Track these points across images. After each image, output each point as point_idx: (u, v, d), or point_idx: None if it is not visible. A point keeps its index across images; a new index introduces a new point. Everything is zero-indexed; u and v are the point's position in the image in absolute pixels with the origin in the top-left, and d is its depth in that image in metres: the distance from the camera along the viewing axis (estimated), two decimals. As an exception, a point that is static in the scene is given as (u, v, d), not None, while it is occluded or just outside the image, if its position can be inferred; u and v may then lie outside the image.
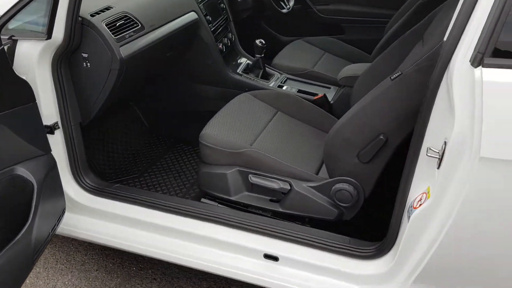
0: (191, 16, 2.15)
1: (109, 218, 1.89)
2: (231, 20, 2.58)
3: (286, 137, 1.99)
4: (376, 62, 2.04)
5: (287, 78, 2.51)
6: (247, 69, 2.49)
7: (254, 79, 2.41)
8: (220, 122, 1.97)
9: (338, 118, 2.19)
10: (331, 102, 2.30)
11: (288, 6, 2.70)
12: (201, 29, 2.24)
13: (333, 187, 1.71)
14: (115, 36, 1.73)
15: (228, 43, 2.47)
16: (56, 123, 1.82)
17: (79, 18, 1.68)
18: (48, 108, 1.78)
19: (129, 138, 2.54)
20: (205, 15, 2.28)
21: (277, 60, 2.65)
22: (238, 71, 2.46)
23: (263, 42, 2.39)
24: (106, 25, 1.72)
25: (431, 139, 1.35)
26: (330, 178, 1.73)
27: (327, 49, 2.84)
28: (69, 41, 1.67)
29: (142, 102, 2.64)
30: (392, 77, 1.51)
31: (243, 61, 2.56)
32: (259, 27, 3.13)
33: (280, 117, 2.12)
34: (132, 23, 1.83)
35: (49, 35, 1.63)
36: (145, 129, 2.65)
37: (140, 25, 1.84)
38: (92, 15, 1.72)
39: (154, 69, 2.21)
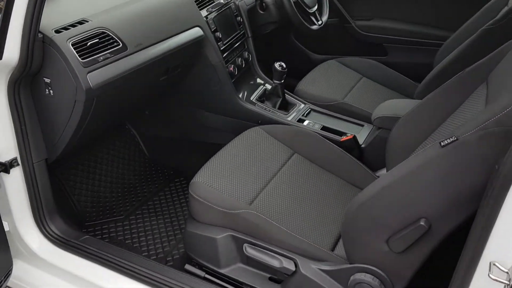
0: (195, 33, 1.76)
1: (70, 279, 1.54)
2: (250, 36, 2.17)
3: (299, 191, 1.56)
4: (423, 104, 1.57)
5: (311, 109, 2.07)
6: (264, 96, 2.07)
7: (270, 110, 1.99)
8: (217, 167, 1.57)
9: (370, 167, 1.77)
10: (362, 146, 1.85)
11: (320, 22, 2.26)
12: (207, 48, 1.84)
13: (352, 277, 1.27)
14: (82, 59, 1.35)
15: (242, 64, 2.06)
16: (15, 159, 1.48)
17: (39, 34, 1.32)
18: (4, 141, 1.44)
19: (123, 168, 2.18)
20: (214, 31, 1.88)
21: (302, 85, 2.21)
22: (252, 98, 2.04)
23: (284, 66, 1.96)
24: (72, 44, 1.35)
25: (498, 249, 0.90)
26: (349, 262, 1.30)
27: (365, 73, 2.38)
28: (26, 62, 1.32)
29: (141, 125, 2.28)
30: (442, 143, 1.05)
31: (260, 86, 2.15)
32: (286, 42, 2.71)
33: (296, 161, 1.70)
34: (111, 41, 1.45)
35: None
36: (144, 158, 2.28)
37: (121, 45, 1.46)
38: (57, 31, 1.36)
39: (142, 96, 1.83)
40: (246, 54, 2.11)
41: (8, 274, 1.40)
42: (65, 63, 1.33)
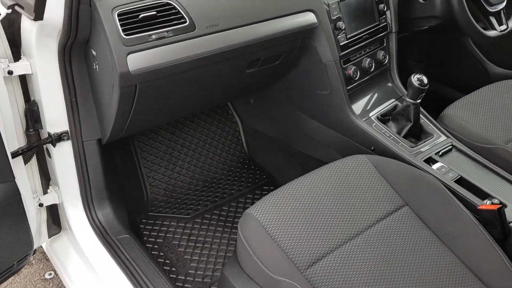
0: (304, 19, 1.32)
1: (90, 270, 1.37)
2: (394, 31, 1.62)
3: (391, 266, 1.09)
4: None
5: (453, 146, 1.48)
6: (390, 115, 1.54)
7: (391, 135, 1.47)
8: (285, 203, 1.18)
9: (512, 260, 1.16)
10: (511, 225, 1.22)
11: (504, 26, 1.58)
12: (319, 41, 1.39)
13: None
14: (127, 34, 1.06)
15: (371, 66, 1.55)
16: (66, 132, 1.32)
17: (87, -3, 1.08)
18: (55, 110, 1.29)
19: (212, 158, 1.92)
20: (336, 20, 1.41)
21: (454, 109, 1.60)
22: (371, 114, 1.53)
23: (425, 81, 1.40)
24: (119, 15, 1.07)
25: None
26: None
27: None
28: (70, 28, 1.10)
29: (245, 114, 1.96)
30: None
31: (391, 99, 1.61)
32: (456, 43, 2.05)
33: (404, 218, 1.21)
34: (176, 16, 1.13)
35: (37, 14, 1.08)
36: (240, 152, 1.98)
37: (188, 22, 1.13)
38: (108, -5, 1.10)
39: (221, 91, 1.48)
40: (381, 54, 1.59)
41: (24, 258, 1.27)
42: (104, 36, 1.06)
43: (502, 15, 1.58)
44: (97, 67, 1.16)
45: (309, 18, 1.33)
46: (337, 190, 1.23)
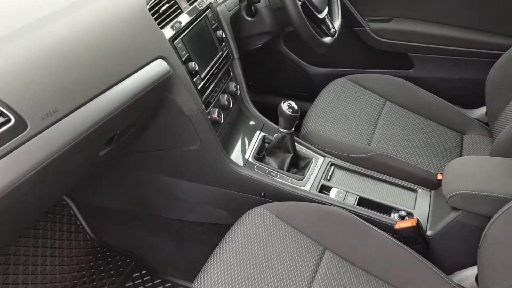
0: (156, 69, 1.02)
1: None
2: (236, 57, 1.45)
3: None
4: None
5: (332, 164, 1.40)
6: (264, 149, 1.37)
7: (275, 173, 1.31)
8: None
9: (442, 267, 1.14)
10: (428, 234, 1.20)
11: (332, 30, 1.57)
12: (177, 91, 1.11)
13: None
14: None
15: (229, 102, 1.34)
16: None
17: None
18: None
19: (52, 262, 1.44)
20: (186, 60, 1.15)
21: (311, 124, 1.52)
22: (247, 156, 1.34)
23: (295, 107, 1.27)
24: None
25: None
26: None
27: (387, 95, 1.73)
28: None
29: (78, 190, 1.54)
30: None
31: (257, 132, 1.44)
32: (275, 53, 2.01)
33: (330, 264, 1.08)
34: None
35: None
36: (85, 240, 1.55)
37: (13, 120, 0.72)
38: None
39: (70, 183, 1.10)
40: (233, 85, 1.40)
41: None
42: None
43: (327, 21, 1.56)
44: None
45: (161, 66, 1.04)
46: (257, 263, 1.02)
